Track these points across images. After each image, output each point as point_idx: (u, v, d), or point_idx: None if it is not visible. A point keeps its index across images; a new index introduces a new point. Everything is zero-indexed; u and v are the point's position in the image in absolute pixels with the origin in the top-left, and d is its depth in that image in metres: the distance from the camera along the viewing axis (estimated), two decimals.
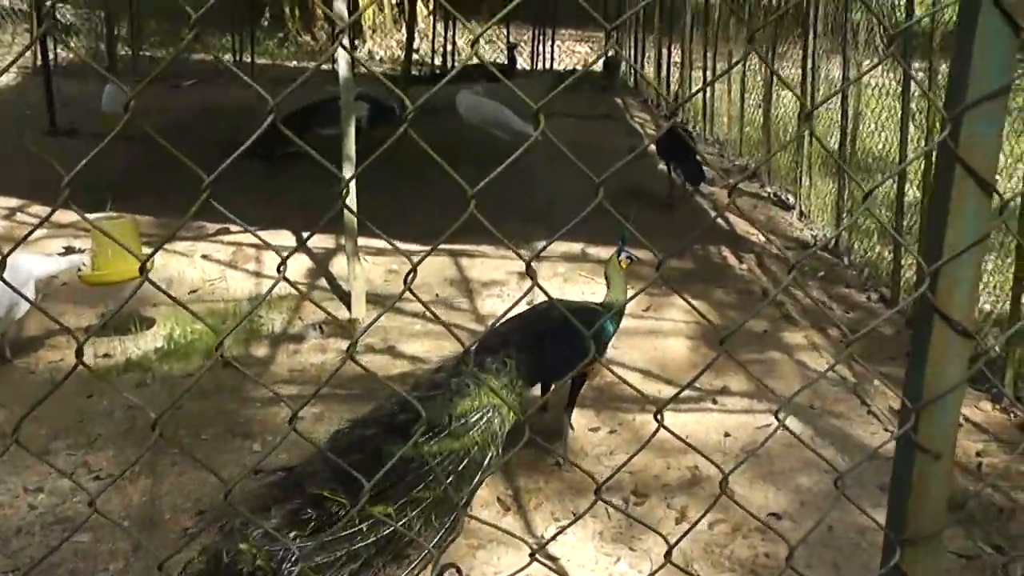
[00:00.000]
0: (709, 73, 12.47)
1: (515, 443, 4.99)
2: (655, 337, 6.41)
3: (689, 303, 2.02)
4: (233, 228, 7.99)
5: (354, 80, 6.78)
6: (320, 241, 7.94)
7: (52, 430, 5.10)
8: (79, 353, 1.25)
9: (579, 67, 17.69)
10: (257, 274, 7.38)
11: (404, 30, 18.08)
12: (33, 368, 5.91)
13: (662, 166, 9.63)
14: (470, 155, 10.48)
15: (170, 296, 1.48)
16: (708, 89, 12.47)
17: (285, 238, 8.02)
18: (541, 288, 1.60)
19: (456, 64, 17.17)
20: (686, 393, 5.53)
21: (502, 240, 1.59)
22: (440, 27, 17.82)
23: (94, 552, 4.14)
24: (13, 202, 8.60)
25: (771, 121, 10.32)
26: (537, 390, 4.79)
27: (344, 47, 1.43)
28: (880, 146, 8.29)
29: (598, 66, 16.41)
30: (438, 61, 17.77)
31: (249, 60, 16.44)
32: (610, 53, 17.18)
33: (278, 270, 1.39)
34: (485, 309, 6.88)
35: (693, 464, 4.88)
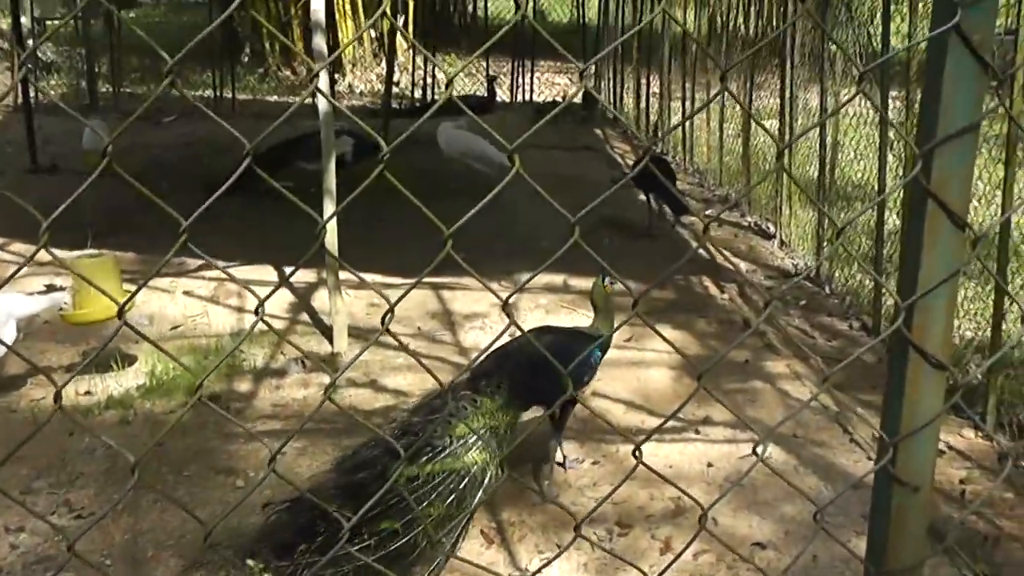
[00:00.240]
0: (688, 103, 12.54)
1: (511, 466, 5.04)
2: (638, 368, 6.41)
3: (666, 340, 2.03)
4: (217, 264, 7.98)
5: (335, 115, 6.80)
6: (302, 275, 7.93)
7: (34, 469, 5.07)
8: (58, 397, 1.25)
9: (559, 98, 17.75)
10: (239, 309, 7.36)
11: (384, 64, 18.16)
12: (15, 407, 5.86)
13: (642, 197, 9.68)
14: (451, 188, 10.52)
15: (149, 340, 1.48)
16: (688, 119, 12.54)
17: (266, 273, 8.02)
18: (519, 327, 1.60)
19: (436, 97, 17.23)
20: (670, 424, 5.56)
21: (478, 279, 1.58)
22: (419, 60, 17.90)
23: None
24: None
25: (750, 151, 10.38)
26: (531, 413, 4.80)
27: (319, 91, 1.43)
28: (859, 174, 8.35)
29: (578, 98, 16.50)
30: (418, 94, 17.84)
31: (230, 95, 16.47)
32: (588, 78, 17.36)
33: (256, 312, 1.39)
34: (468, 342, 6.88)
35: (676, 495, 4.87)
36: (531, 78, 18.00)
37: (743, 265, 8.74)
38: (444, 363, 6.50)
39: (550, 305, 7.45)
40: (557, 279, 7.83)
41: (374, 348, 6.62)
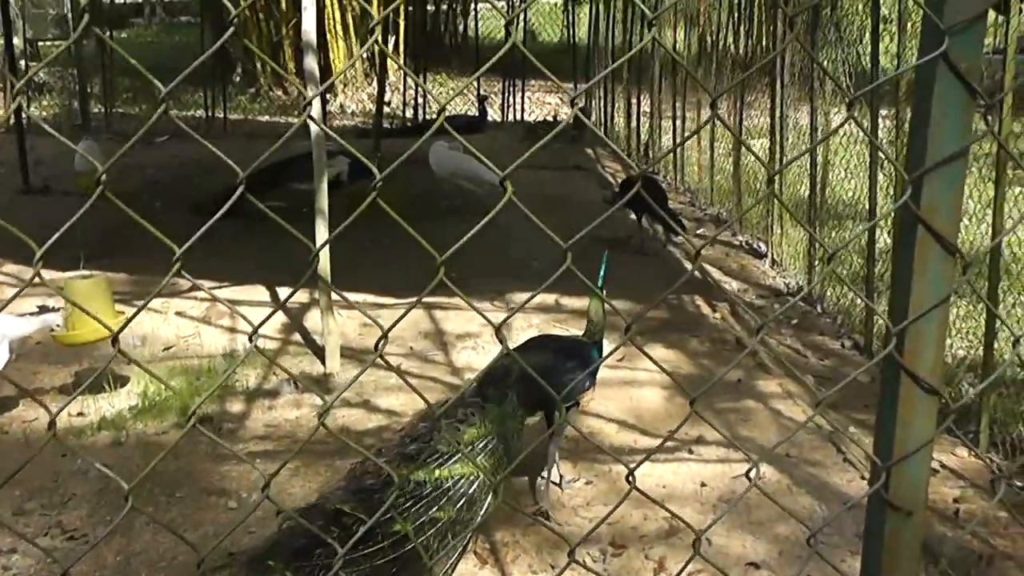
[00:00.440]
0: (678, 122, 12.58)
1: (515, 472, 5.05)
2: (630, 387, 6.42)
3: (656, 364, 2.03)
4: (207, 284, 7.97)
5: (327, 137, 6.82)
6: (295, 296, 7.94)
7: (26, 490, 5.05)
8: (52, 425, 1.25)
9: (550, 118, 17.80)
10: (231, 330, 7.35)
11: (375, 84, 18.20)
12: (7, 428, 5.84)
13: (632, 216, 9.71)
14: (442, 207, 10.56)
15: (142, 366, 1.48)
16: (678, 138, 12.56)
17: (258, 293, 8.02)
18: (512, 353, 1.61)
19: (428, 117, 17.25)
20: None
21: (472, 306, 1.59)
22: (411, 80, 17.96)
23: None
24: None
25: (741, 170, 10.41)
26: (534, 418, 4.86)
27: (311, 119, 1.44)
28: (850, 193, 8.38)
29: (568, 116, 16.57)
30: (409, 114, 17.87)
31: (222, 116, 16.49)
32: (579, 105, 17.38)
33: (250, 339, 1.40)
34: (460, 362, 6.88)
35: (670, 514, 4.88)
36: (522, 98, 18.04)
37: (735, 284, 8.76)
38: (436, 383, 6.49)
39: (543, 324, 7.45)
40: (549, 298, 7.84)
41: (368, 368, 6.62)
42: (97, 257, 8.20)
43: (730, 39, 11.07)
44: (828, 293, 8.04)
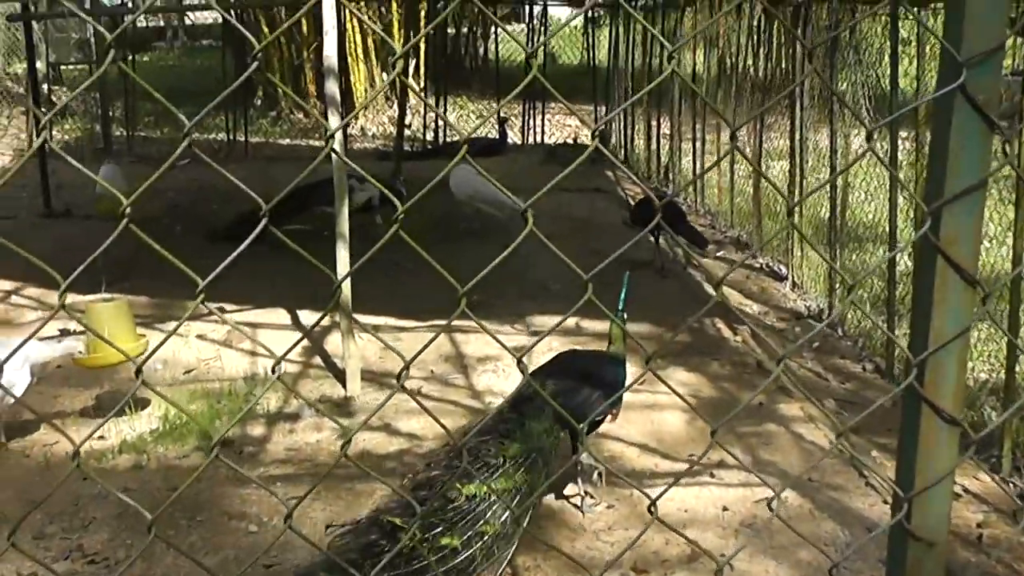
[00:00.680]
0: (698, 144, 12.57)
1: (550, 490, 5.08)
2: (651, 410, 6.40)
3: (676, 393, 2.03)
4: (228, 307, 8.01)
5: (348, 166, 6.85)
6: (314, 319, 7.97)
7: (47, 514, 5.07)
8: (76, 455, 1.26)
9: (569, 140, 17.81)
10: (252, 353, 7.37)
11: (396, 106, 18.27)
12: (28, 452, 5.88)
13: (651, 237, 9.71)
14: (463, 229, 10.58)
15: (164, 397, 1.49)
16: (698, 160, 12.55)
17: (280, 316, 8.04)
18: (536, 386, 1.61)
19: (447, 139, 17.30)
20: (683, 466, 5.55)
21: (493, 336, 1.59)
22: (431, 102, 18.02)
23: None
24: (8, 285, 8.61)
25: (761, 193, 10.40)
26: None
27: (335, 151, 1.45)
28: (870, 215, 8.36)
29: (587, 139, 16.62)
30: (429, 136, 17.93)
31: (243, 139, 16.57)
32: (601, 128, 17.40)
33: (273, 369, 1.41)
34: (480, 385, 6.88)
35: (692, 538, 4.85)
36: (542, 120, 18.07)
37: (755, 307, 8.74)
38: (457, 406, 6.50)
39: (562, 348, 7.44)
40: (569, 322, 7.82)
41: (388, 392, 6.64)
42: (119, 280, 8.25)
43: (749, 61, 11.07)
44: (849, 316, 8.01)
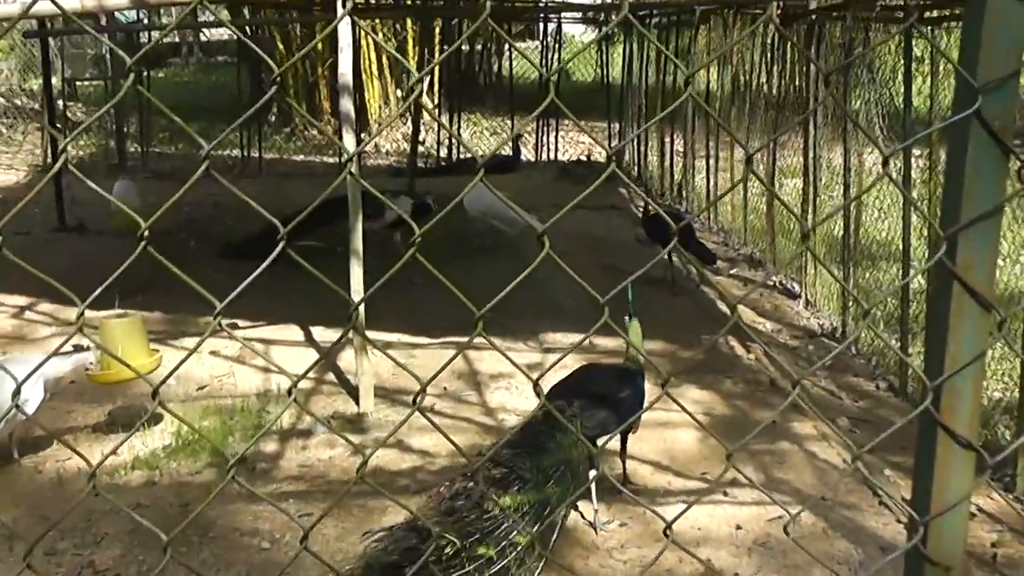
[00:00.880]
0: (712, 161, 12.57)
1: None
2: (664, 428, 6.39)
3: (691, 415, 2.03)
4: (242, 323, 8.02)
5: (363, 192, 6.85)
6: (328, 335, 7.99)
7: (59, 530, 5.07)
8: (92, 477, 1.27)
9: (583, 157, 17.82)
10: (265, 370, 7.39)
11: (409, 123, 18.30)
12: (40, 467, 5.89)
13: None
14: (475, 245, 10.59)
15: (179, 417, 1.50)
16: (712, 178, 12.55)
17: (293, 332, 8.06)
18: (552, 409, 1.61)
19: (461, 156, 17.33)
20: (696, 485, 5.54)
21: (510, 360, 1.60)
22: (445, 119, 18.05)
23: None
24: (22, 300, 8.65)
25: (774, 210, 10.39)
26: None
27: (352, 174, 1.46)
28: (884, 233, 8.35)
29: (601, 155, 16.67)
30: (443, 153, 17.96)
31: (257, 155, 16.63)
32: (614, 144, 17.43)
33: (289, 392, 1.41)
34: (494, 402, 6.87)
35: (706, 557, 4.84)
36: (556, 137, 18.10)
37: (769, 325, 8.72)
38: (470, 424, 6.50)
39: (577, 366, 7.44)
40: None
41: (401, 408, 6.67)
42: (132, 296, 8.27)
43: (763, 78, 11.08)
44: (863, 335, 7.99)
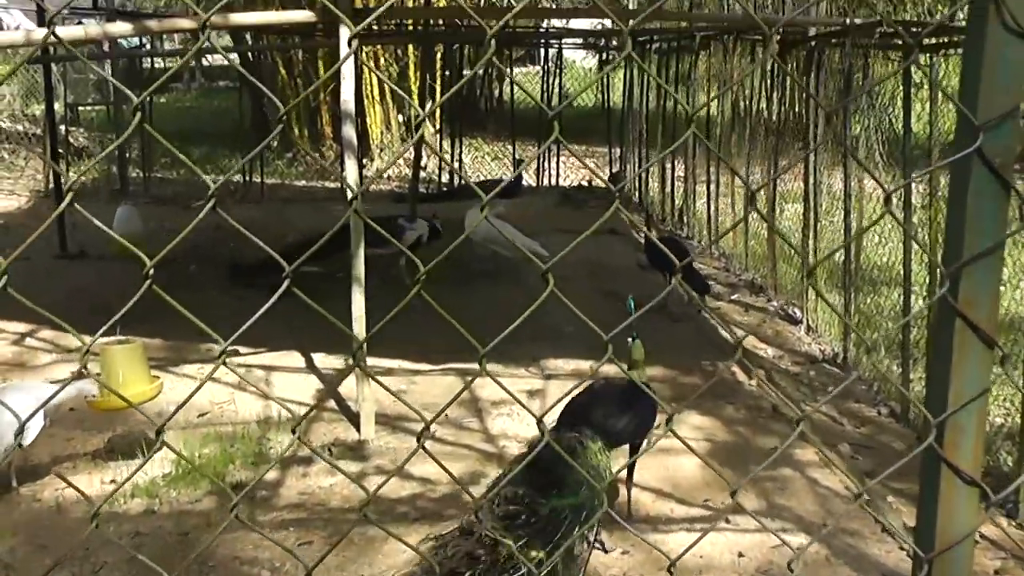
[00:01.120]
0: (712, 186, 12.58)
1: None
2: (667, 455, 6.37)
3: (694, 452, 2.02)
4: (242, 349, 8.02)
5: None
6: (329, 362, 7.98)
7: (55, 558, 5.06)
8: (94, 518, 1.26)
9: (584, 183, 17.84)
10: (266, 396, 7.38)
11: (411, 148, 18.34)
12: (39, 496, 5.86)
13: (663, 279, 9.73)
14: (478, 270, 10.59)
15: (182, 455, 1.49)
16: (713, 203, 12.56)
17: (294, 359, 8.05)
18: (555, 446, 1.61)
19: (463, 182, 17.35)
20: (699, 512, 5.52)
21: (512, 395, 1.60)
22: (447, 144, 18.08)
23: None
24: (22, 327, 8.64)
25: (775, 235, 10.39)
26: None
27: (357, 212, 1.47)
28: (884, 258, 8.35)
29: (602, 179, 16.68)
30: (445, 178, 17.98)
31: (259, 180, 16.66)
32: (615, 169, 17.47)
33: (293, 431, 1.41)
34: (495, 429, 6.86)
35: None
36: (557, 163, 18.13)
37: (770, 351, 8.71)
38: (471, 451, 6.48)
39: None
40: (584, 364, 7.84)
41: (402, 435, 6.65)
42: (132, 323, 8.25)
43: (763, 104, 11.11)
44: (864, 360, 7.98)
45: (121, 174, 16.36)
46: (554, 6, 18.92)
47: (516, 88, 21.22)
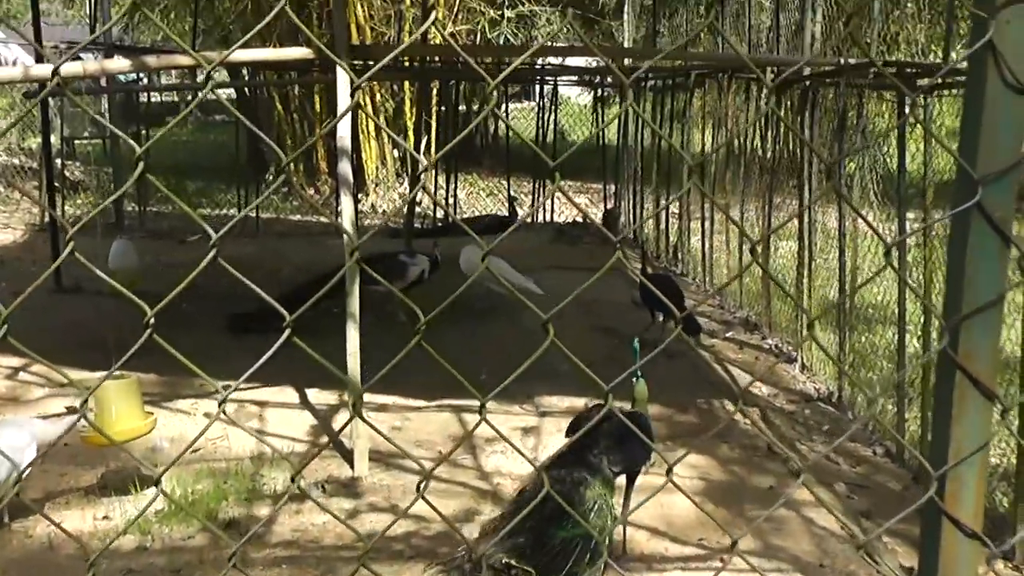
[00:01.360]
0: (707, 223, 12.62)
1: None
2: (662, 493, 6.31)
3: (693, 500, 2.02)
4: (236, 384, 7.99)
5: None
6: (322, 398, 7.96)
7: None
8: (90, 568, 1.26)
9: (579, 219, 17.88)
10: (260, 432, 7.36)
11: (406, 183, 18.40)
12: (31, 532, 5.82)
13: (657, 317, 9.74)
14: (474, 309, 10.58)
15: (181, 505, 1.49)
16: (707, 240, 12.59)
17: (288, 395, 8.03)
18: (556, 497, 1.61)
19: (458, 216, 17.37)
20: (694, 551, 5.50)
21: (511, 444, 1.60)
22: (441, 180, 18.11)
23: None
24: (15, 361, 8.60)
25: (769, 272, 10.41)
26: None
27: (361, 264, 1.48)
28: (879, 297, 8.36)
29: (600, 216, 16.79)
30: (440, 214, 18.01)
31: (255, 214, 16.67)
32: (609, 206, 17.50)
33: (292, 479, 1.41)
34: (489, 466, 6.84)
35: None
36: (552, 198, 18.18)
37: (765, 389, 8.70)
38: (466, 488, 6.46)
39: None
40: (578, 402, 7.82)
41: (396, 472, 6.62)
42: (128, 356, 8.24)
43: (757, 142, 11.15)
44: (859, 399, 7.98)
45: (116, 208, 16.34)
46: (551, 43, 18.98)
47: (512, 124, 21.31)
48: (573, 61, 20.68)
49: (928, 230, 6.86)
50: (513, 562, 4.21)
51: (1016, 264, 1.56)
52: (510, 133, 20.83)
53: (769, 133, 10.81)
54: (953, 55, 6.89)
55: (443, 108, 19.82)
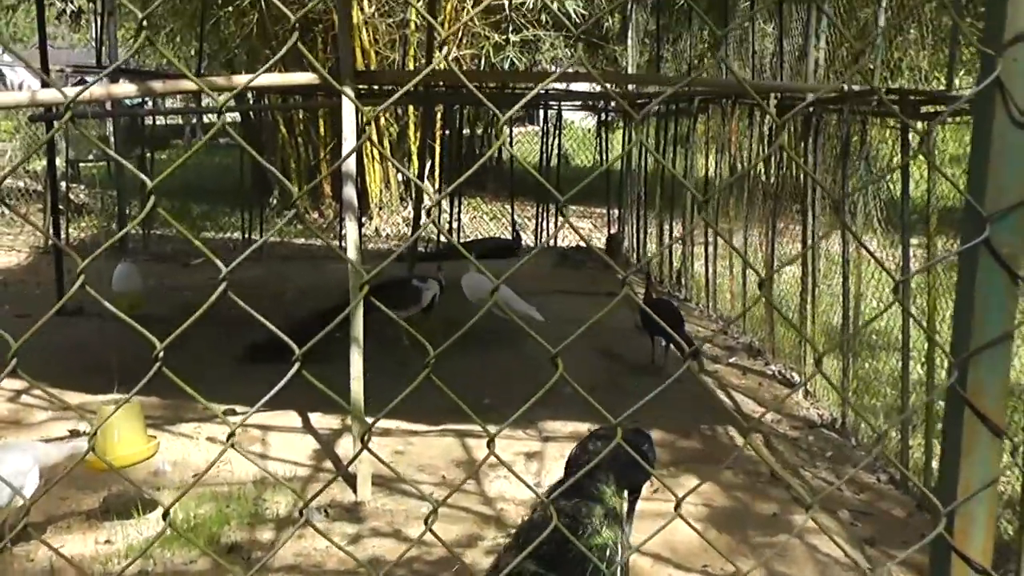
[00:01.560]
0: (711, 248, 12.62)
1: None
2: (664, 519, 6.31)
3: (699, 532, 2.02)
4: (239, 409, 7.98)
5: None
6: (325, 422, 7.95)
7: None
8: None
9: (582, 243, 17.87)
10: (263, 456, 7.34)
11: (410, 207, 18.41)
12: (32, 556, 5.81)
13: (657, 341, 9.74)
14: (477, 333, 10.56)
15: (185, 535, 1.49)
16: (711, 265, 12.59)
17: (291, 418, 8.01)
18: (562, 528, 1.61)
19: (461, 240, 17.38)
20: None
21: (517, 476, 1.60)
22: (445, 204, 18.13)
23: None
24: (18, 384, 8.60)
25: (773, 298, 10.40)
26: None
27: (371, 298, 1.49)
28: (883, 323, 8.35)
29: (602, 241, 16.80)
30: (443, 238, 18.01)
31: (258, 238, 16.69)
32: (612, 231, 17.51)
33: (300, 512, 1.41)
34: (492, 491, 6.82)
35: None
36: (556, 222, 18.17)
37: (768, 415, 8.69)
38: (468, 513, 6.44)
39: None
40: (582, 427, 7.80)
41: (398, 497, 6.61)
42: (130, 380, 8.23)
43: (760, 167, 11.16)
44: (862, 426, 7.97)
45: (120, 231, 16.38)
46: (555, 69, 19.02)
47: (516, 148, 21.34)
48: (577, 86, 20.72)
49: (929, 257, 6.86)
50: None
51: None
52: (513, 157, 20.87)
53: (772, 159, 10.82)
54: (956, 82, 6.91)
55: (447, 131, 19.85)
